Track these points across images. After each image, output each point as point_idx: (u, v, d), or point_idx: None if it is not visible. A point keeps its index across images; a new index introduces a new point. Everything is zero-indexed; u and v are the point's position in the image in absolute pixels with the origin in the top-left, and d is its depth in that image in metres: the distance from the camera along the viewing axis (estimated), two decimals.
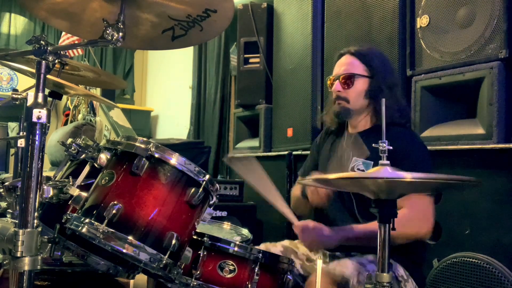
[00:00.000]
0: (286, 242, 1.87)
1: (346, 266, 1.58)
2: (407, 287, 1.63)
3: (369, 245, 1.54)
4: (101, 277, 1.88)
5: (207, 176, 1.31)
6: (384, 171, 1.16)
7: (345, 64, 1.89)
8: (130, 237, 1.18)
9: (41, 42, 1.17)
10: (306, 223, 1.69)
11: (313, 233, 1.64)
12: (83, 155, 1.37)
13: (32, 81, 1.22)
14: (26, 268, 1.11)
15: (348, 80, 1.85)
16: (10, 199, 1.42)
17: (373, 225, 1.52)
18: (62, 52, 1.21)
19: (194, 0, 1.26)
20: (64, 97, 2.01)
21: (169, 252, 1.22)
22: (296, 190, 2.03)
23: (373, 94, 1.83)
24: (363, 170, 1.75)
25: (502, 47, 2.02)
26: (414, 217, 1.62)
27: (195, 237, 1.40)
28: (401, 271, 1.64)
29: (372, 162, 1.73)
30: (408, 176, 1.11)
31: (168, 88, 6.57)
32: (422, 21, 2.36)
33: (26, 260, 1.11)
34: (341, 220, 1.79)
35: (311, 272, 1.69)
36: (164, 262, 1.21)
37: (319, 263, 1.33)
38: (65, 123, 5.27)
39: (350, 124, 1.93)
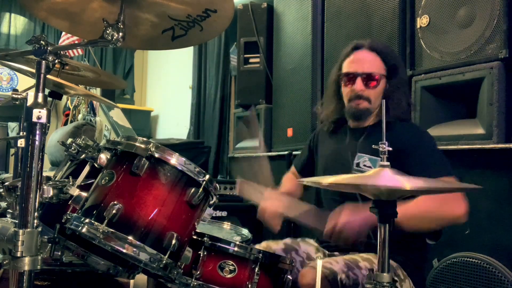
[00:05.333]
0: (288, 240, 1.87)
1: (337, 261, 1.57)
2: (404, 287, 1.62)
3: (416, 228, 1.53)
4: (101, 277, 1.87)
5: (207, 176, 1.31)
6: (384, 173, 1.16)
7: (367, 61, 1.79)
8: (130, 237, 1.18)
9: (41, 42, 1.17)
10: (332, 225, 1.55)
11: (345, 232, 1.53)
12: (83, 155, 1.37)
13: (32, 81, 1.22)
14: (26, 268, 1.10)
15: (373, 79, 1.77)
16: (10, 199, 1.42)
17: (410, 204, 1.52)
18: (62, 52, 1.21)
19: (194, 0, 1.26)
20: (64, 97, 2.01)
21: (169, 252, 1.22)
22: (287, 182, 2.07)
23: (389, 93, 1.79)
24: (369, 167, 1.74)
25: (502, 47, 2.02)
26: (449, 198, 1.57)
27: (195, 237, 1.40)
28: (398, 270, 1.64)
29: (379, 159, 1.71)
30: (407, 184, 1.10)
31: (168, 88, 6.57)
32: (422, 21, 2.36)
33: (26, 260, 1.10)
34: None
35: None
36: (164, 262, 1.21)
37: (319, 263, 1.33)
38: (65, 123, 5.27)
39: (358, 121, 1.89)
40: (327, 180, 1.23)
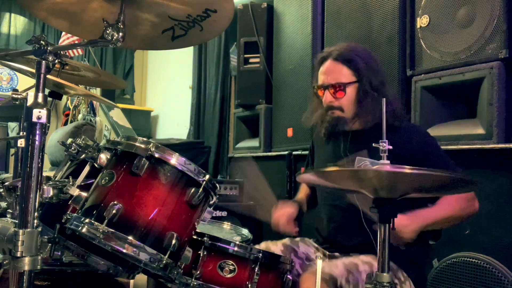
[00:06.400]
0: (287, 241, 1.87)
1: (336, 266, 1.58)
2: None
3: (448, 226, 1.69)
4: (101, 277, 1.87)
5: (207, 176, 1.31)
6: (385, 168, 1.16)
7: (331, 71, 1.83)
8: (130, 237, 1.19)
9: (41, 42, 1.17)
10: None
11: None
12: (83, 155, 1.37)
13: (32, 81, 1.22)
14: (26, 268, 1.10)
15: (339, 89, 1.81)
16: (10, 199, 1.42)
17: (445, 205, 1.63)
18: (62, 52, 1.21)
19: (194, 0, 1.26)
20: (64, 97, 2.01)
21: (169, 252, 1.22)
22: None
23: (363, 97, 1.80)
24: None
25: (502, 47, 2.02)
26: (467, 197, 1.67)
27: (195, 237, 1.40)
28: (398, 273, 1.64)
29: (380, 162, 1.71)
30: (408, 169, 1.10)
31: (168, 88, 6.57)
32: (422, 21, 2.36)
33: (26, 260, 1.11)
34: (346, 229, 1.79)
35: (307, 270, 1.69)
36: (164, 262, 1.21)
37: (319, 263, 1.32)
38: (65, 123, 5.27)
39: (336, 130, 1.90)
40: (328, 169, 1.22)
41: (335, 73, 1.83)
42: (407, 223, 1.56)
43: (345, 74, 1.82)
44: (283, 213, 1.86)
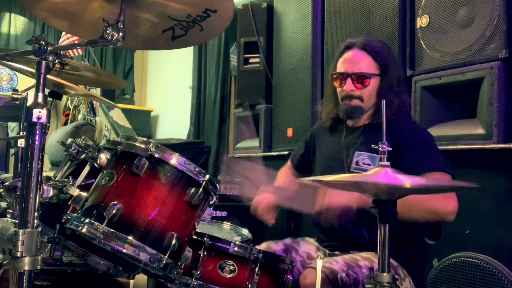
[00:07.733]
0: (288, 240, 1.87)
1: (336, 261, 1.58)
2: (403, 285, 1.62)
3: (407, 214, 1.47)
4: (101, 277, 1.88)
5: (207, 176, 1.31)
6: (384, 172, 1.16)
7: (357, 60, 1.80)
8: (130, 237, 1.19)
9: (41, 42, 1.17)
10: (319, 205, 1.58)
11: (330, 212, 1.56)
12: (83, 155, 1.37)
13: (32, 81, 1.22)
14: (26, 268, 1.10)
15: (363, 79, 1.78)
16: (10, 199, 1.42)
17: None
18: (62, 52, 1.21)
19: (194, 0, 1.26)
20: (64, 97, 2.01)
21: (169, 252, 1.22)
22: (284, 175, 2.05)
23: (384, 91, 1.78)
24: (369, 164, 1.74)
25: (502, 47, 2.02)
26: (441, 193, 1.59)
27: (195, 237, 1.40)
28: (398, 269, 1.64)
29: (379, 156, 1.71)
30: (407, 182, 1.11)
31: (168, 88, 6.57)
32: (422, 21, 2.36)
33: (26, 260, 1.11)
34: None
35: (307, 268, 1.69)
36: (164, 262, 1.21)
37: (319, 263, 1.33)
38: (65, 123, 5.27)
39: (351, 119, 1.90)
40: (327, 178, 1.23)
41: (360, 62, 1.80)
42: (334, 199, 1.53)
43: (370, 65, 1.80)
44: (263, 200, 1.81)
